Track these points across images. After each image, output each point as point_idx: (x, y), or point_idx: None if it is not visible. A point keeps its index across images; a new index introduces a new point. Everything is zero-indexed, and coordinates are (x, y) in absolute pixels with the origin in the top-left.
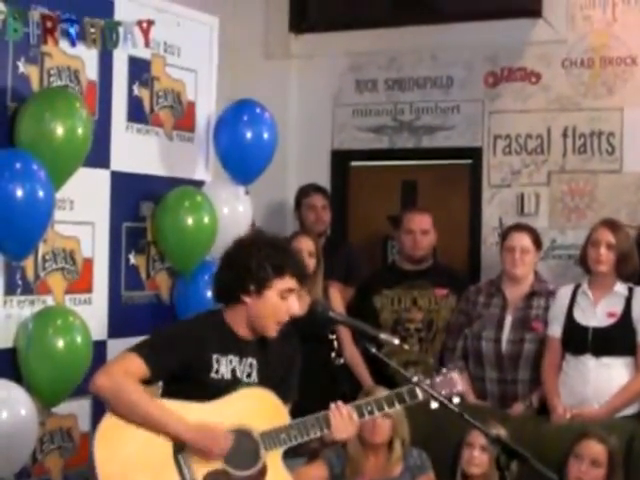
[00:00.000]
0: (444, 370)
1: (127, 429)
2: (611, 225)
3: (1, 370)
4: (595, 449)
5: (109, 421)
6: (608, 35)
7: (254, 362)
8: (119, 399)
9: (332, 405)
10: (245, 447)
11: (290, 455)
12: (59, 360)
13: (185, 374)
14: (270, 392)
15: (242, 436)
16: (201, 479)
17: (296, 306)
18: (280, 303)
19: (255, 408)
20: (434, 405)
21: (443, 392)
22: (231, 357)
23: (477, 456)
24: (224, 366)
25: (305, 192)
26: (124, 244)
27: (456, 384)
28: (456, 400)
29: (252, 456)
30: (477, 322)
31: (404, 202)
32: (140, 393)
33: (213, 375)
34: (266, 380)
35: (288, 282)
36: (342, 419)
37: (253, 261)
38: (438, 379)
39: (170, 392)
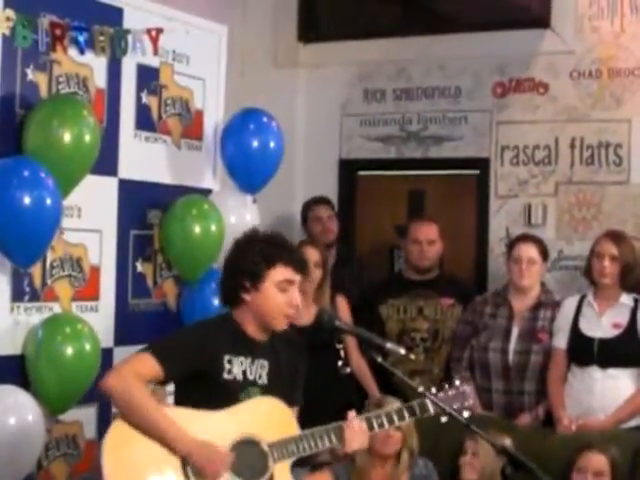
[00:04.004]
0: (457, 383)
1: (136, 436)
2: (614, 237)
3: (9, 376)
4: (597, 460)
5: (118, 427)
6: (616, 46)
7: (265, 363)
8: (127, 403)
9: (350, 415)
10: (253, 458)
11: (295, 464)
12: (67, 367)
13: (198, 375)
14: (280, 401)
15: (251, 446)
16: None
17: (297, 297)
18: (279, 295)
19: (265, 418)
20: (444, 419)
21: (454, 406)
22: (242, 359)
23: (468, 460)
24: (236, 367)
25: (309, 205)
26: (131, 252)
27: (468, 398)
28: (466, 414)
29: (260, 467)
30: (484, 333)
31: (411, 212)
32: (148, 400)
33: (226, 376)
34: (275, 382)
35: (282, 272)
36: (355, 431)
37: (245, 257)
38: (450, 392)
39: (182, 393)
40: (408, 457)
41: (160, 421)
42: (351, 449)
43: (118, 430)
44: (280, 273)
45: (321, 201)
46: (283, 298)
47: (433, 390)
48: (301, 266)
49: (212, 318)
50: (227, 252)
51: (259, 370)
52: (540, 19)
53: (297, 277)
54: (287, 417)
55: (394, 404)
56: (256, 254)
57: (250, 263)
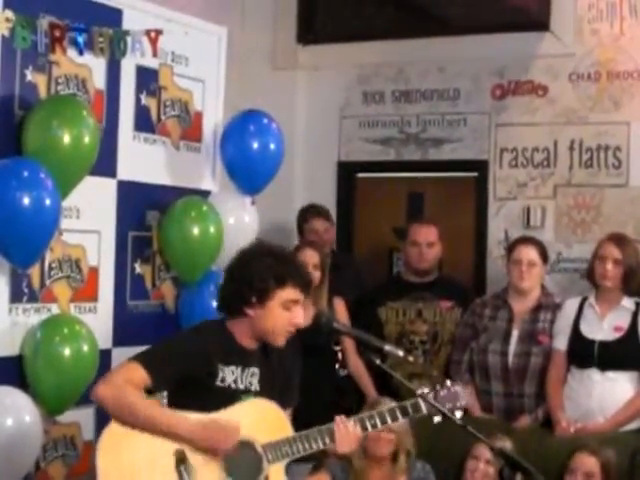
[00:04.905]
0: (448, 383)
1: (130, 438)
2: (617, 240)
3: (7, 377)
4: (587, 462)
5: (112, 430)
6: (615, 49)
7: (256, 371)
8: (121, 406)
9: (337, 418)
10: (248, 459)
11: (296, 460)
12: (65, 368)
13: (189, 383)
14: (273, 404)
15: (245, 448)
16: None
17: (301, 317)
18: (284, 314)
19: (258, 420)
20: (437, 419)
21: (447, 406)
22: (233, 368)
23: (482, 468)
24: (228, 376)
25: (304, 217)
26: (130, 253)
27: (460, 398)
28: (459, 414)
29: (255, 468)
30: (483, 335)
31: (410, 214)
32: (141, 398)
33: (219, 383)
34: (267, 388)
35: (290, 293)
36: (346, 433)
37: (254, 272)
38: (442, 392)
39: (174, 401)
40: (405, 459)
41: (156, 413)
42: (343, 450)
43: (113, 432)
44: (288, 293)
45: (317, 214)
46: (286, 316)
47: (425, 390)
48: (308, 285)
49: (204, 325)
50: (232, 261)
51: (249, 378)
52: (539, 22)
53: (302, 297)
54: (280, 419)
55: (387, 406)
56: (266, 271)
57: (259, 280)
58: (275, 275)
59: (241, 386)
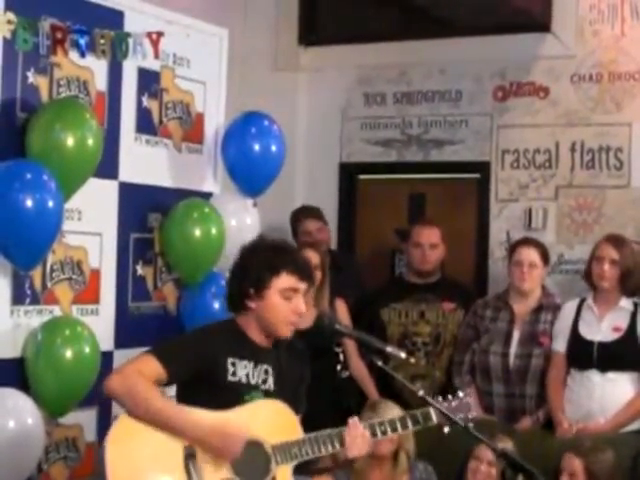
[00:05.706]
0: (460, 394)
1: (139, 433)
2: (615, 241)
3: (8, 379)
4: (571, 463)
5: (121, 425)
6: (617, 50)
7: (269, 369)
8: (132, 399)
9: (350, 422)
10: (256, 459)
11: (297, 473)
12: (67, 370)
13: (202, 377)
14: (284, 405)
15: (254, 448)
16: None
17: (302, 305)
18: (284, 303)
19: (269, 420)
20: (447, 429)
21: (457, 416)
22: (245, 362)
23: (484, 470)
24: (240, 370)
25: (297, 218)
26: (131, 255)
27: (471, 409)
28: (470, 425)
29: (262, 469)
30: (485, 336)
31: (412, 216)
32: (154, 392)
33: (230, 378)
34: (281, 388)
35: (286, 280)
36: (357, 437)
37: (250, 264)
38: (453, 403)
39: (184, 396)
40: (406, 459)
41: (167, 410)
42: (352, 454)
43: (123, 425)
44: (284, 281)
45: (309, 214)
46: (287, 306)
47: (437, 400)
48: (306, 274)
49: (216, 322)
50: (235, 257)
51: (262, 375)
52: (541, 23)
53: (302, 285)
54: (291, 420)
55: (393, 409)
56: (261, 262)
57: (255, 271)
58: (269, 265)
59: (253, 381)
